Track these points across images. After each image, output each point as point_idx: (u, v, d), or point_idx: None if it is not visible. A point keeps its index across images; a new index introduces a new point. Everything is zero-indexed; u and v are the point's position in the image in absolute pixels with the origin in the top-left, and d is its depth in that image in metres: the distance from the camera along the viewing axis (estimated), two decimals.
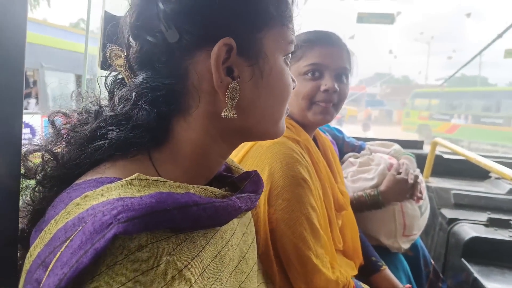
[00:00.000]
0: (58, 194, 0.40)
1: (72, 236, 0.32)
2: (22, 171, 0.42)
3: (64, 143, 0.44)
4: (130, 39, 0.44)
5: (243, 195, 0.46)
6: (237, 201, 0.43)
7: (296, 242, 0.71)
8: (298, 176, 0.74)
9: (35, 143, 0.44)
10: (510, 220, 1.50)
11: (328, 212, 0.88)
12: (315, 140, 1.02)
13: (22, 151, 0.42)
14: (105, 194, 0.35)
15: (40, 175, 0.43)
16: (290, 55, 0.48)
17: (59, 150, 0.43)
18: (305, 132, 0.90)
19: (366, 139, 1.82)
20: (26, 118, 0.42)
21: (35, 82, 5.43)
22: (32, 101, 5.27)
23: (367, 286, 0.82)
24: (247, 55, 0.42)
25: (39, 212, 0.42)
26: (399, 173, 1.19)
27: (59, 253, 0.32)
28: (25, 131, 0.44)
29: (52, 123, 0.45)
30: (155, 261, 0.34)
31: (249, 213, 0.59)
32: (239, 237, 0.51)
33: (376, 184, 1.21)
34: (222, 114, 0.42)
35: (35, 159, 0.44)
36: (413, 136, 13.27)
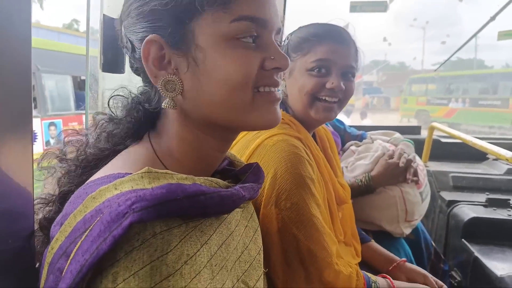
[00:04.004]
0: (81, 183, 0.45)
1: (91, 226, 0.35)
2: (60, 155, 0.52)
3: (96, 136, 0.53)
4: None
5: (245, 184, 0.49)
6: (240, 190, 0.46)
7: (308, 244, 0.70)
8: (303, 175, 0.73)
9: (77, 133, 0.55)
10: (509, 199, 1.52)
11: (330, 205, 0.89)
12: (314, 136, 1.02)
13: (67, 138, 0.54)
14: (119, 187, 0.38)
15: (76, 158, 0.52)
16: (249, 37, 0.45)
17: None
18: (305, 129, 0.89)
19: (364, 127, 1.84)
20: None
21: (32, 86, 5.40)
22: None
23: (373, 275, 0.81)
24: (179, 47, 0.44)
25: (63, 198, 0.48)
26: (392, 158, 1.21)
27: (79, 242, 0.35)
28: None
29: (94, 118, 0.55)
30: (168, 247, 0.36)
31: (251, 207, 0.61)
32: (242, 229, 0.54)
33: (370, 169, 1.23)
34: (162, 105, 0.46)
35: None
36: (412, 122, 13.26)
